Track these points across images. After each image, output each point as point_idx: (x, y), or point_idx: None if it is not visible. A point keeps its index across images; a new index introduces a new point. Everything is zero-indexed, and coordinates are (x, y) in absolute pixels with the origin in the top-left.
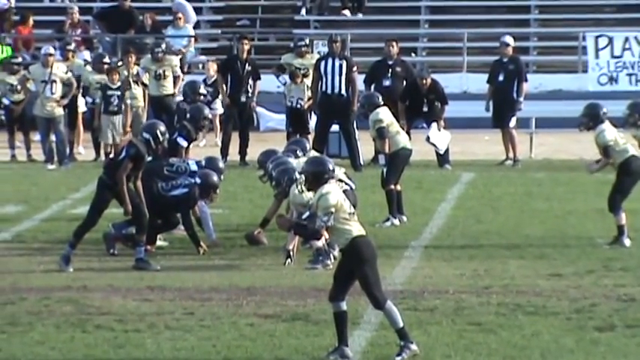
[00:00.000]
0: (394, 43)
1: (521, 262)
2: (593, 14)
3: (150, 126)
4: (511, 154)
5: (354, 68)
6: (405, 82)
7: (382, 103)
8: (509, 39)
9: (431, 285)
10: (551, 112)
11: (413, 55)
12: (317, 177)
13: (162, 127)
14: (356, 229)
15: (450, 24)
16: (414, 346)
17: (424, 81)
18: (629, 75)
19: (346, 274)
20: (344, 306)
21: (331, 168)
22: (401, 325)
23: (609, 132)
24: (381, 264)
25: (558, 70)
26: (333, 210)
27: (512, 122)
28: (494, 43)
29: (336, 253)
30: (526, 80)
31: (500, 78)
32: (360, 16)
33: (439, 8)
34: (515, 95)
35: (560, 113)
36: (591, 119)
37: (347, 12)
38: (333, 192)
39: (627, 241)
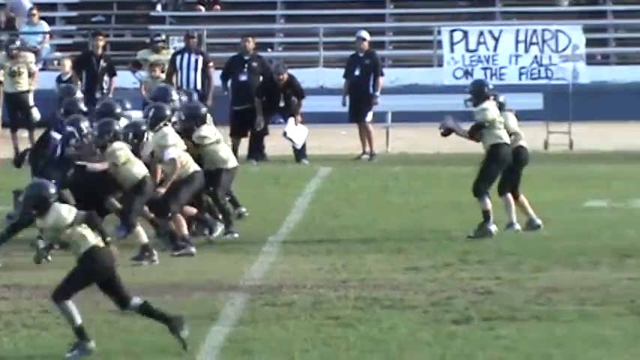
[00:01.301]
0: (250, 39)
1: (378, 256)
2: (447, 8)
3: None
4: (368, 149)
5: (210, 64)
6: (261, 78)
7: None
8: (364, 34)
9: (289, 280)
10: (407, 106)
11: (269, 50)
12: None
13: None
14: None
15: (306, 19)
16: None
17: (280, 76)
18: (484, 69)
19: None
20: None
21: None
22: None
23: (491, 112)
24: (239, 259)
25: (414, 64)
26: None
27: (369, 117)
28: (350, 38)
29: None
30: (382, 75)
31: (357, 73)
32: (215, 11)
33: (295, 3)
34: (371, 90)
35: (416, 107)
36: (476, 96)
37: (202, 8)
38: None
39: (493, 227)
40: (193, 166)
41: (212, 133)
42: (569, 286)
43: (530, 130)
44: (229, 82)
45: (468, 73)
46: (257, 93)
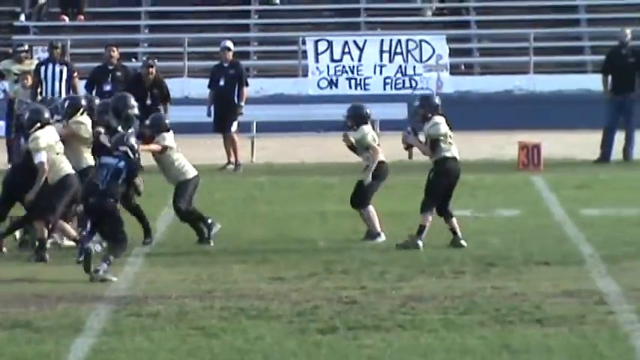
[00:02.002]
0: (114, 49)
1: (243, 266)
2: (312, 19)
3: None
4: (233, 159)
5: (75, 74)
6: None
7: None
8: (229, 44)
9: (154, 290)
10: (272, 116)
11: (133, 60)
12: None
13: None
14: None
15: (170, 29)
16: None
17: (150, 69)
18: (349, 79)
19: None
20: None
21: None
22: None
23: (443, 126)
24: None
25: (279, 74)
26: None
27: (234, 127)
28: (215, 48)
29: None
30: (247, 85)
31: (221, 83)
32: (79, 21)
33: (159, 13)
34: (236, 100)
35: (281, 117)
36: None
37: (66, 18)
38: None
39: (420, 243)
40: (66, 170)
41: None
42: (434, 295)
43: (394, 140)
44: (94, 92)
45: (332, 83)
46: (121, 83)
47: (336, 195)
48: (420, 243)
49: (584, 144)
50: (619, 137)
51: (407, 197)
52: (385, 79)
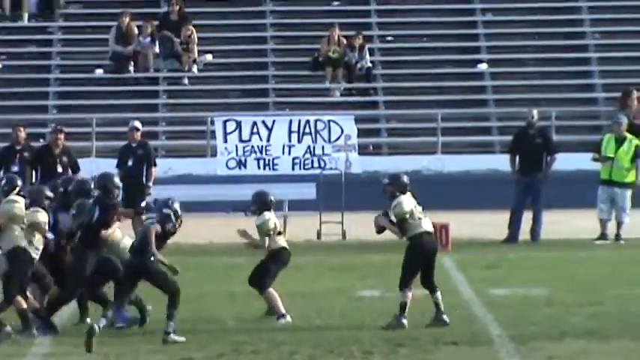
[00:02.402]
0: (21, 129)
1: (152, 347)
2: (220, 99)
3: None
4: None
5: None
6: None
7: None
8: (137, 124)
9: None
10: (181, 196)
11: (41, 140)
12: None
13: None
14: None
15: (79, 109)
16: None
17: (58, 135)
18: (257, 159)
19: None
20: None
21: None
22: None
23: (406, 204)
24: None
25: (187, 154)
26: None
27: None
28: (123, 128)
29: None
30: (155, 165)
31: (130, 163)
32: None
33: (67, 93)
34: (144, 180)
35: (190, 197)
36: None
37: None
38: None
39: (405, 321)
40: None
41: None
42: None
43: (303, 220)
44: (2, 172)
45: (241, 164)
46: (29, 162)
47: (244, 275)
48: (404, 321)
49: (492, 224)
50: (526, 217)
51: (315, 277)
52: (294, 159)
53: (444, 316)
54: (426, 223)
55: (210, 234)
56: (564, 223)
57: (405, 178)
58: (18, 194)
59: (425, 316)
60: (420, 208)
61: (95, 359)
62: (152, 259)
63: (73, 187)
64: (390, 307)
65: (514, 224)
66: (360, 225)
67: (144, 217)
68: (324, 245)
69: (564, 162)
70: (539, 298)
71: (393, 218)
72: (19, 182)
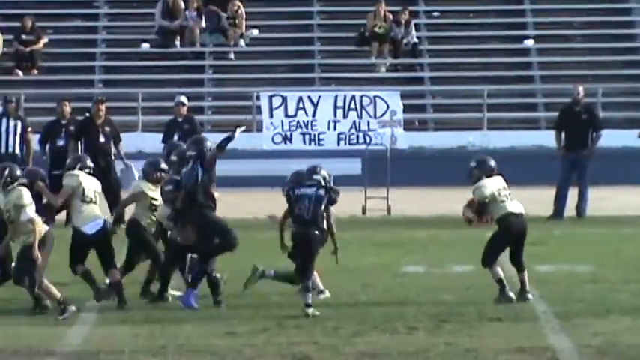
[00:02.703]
0: (67, 103)
1: (196, 322)
2: (266, 74)
3: None
4: None
5: (29, 128)
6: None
7: None
8: (183, 98)
9: (107, 345)
10: (228, 170)
11: (87, 114)
12: None
13: None
14: None
15: (124, 83)
16: None
17: (100, 106)
18: (303, 134)
19: None
20: None
21: None
22: None
23: (487, 188)
24: (57, 324)
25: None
26: None
27: None
28: (169, 103)
29: None
30: None
31: (176, 137)
32: (33, 75)
33: (113, 68)
34: None
35: (236, 172)
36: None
37: (20, 72)
38: None
39: (512, 294)
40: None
41: None
42: (387, 352)
43: (348, 195)
44: (47, 147)
45: (287, 139)
46: (73, 136)
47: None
48: (511, 294)
49: (537, 200)
50: (572, 194)
51: (359, 253)
52: (339, 134)
53: (528, 295)
54: (513, 204)
55: (255, 209)
56: (610, 200)
57: (492, 162)
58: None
59: (468, 291)
60: (507, 192)
61: (141, 335)
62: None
63: (176, 153)
64: (434, 283)
65: (559, 201)
66: (405, 201)
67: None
68: (369, 221)
69: (610, 139)
70: (585, 275)
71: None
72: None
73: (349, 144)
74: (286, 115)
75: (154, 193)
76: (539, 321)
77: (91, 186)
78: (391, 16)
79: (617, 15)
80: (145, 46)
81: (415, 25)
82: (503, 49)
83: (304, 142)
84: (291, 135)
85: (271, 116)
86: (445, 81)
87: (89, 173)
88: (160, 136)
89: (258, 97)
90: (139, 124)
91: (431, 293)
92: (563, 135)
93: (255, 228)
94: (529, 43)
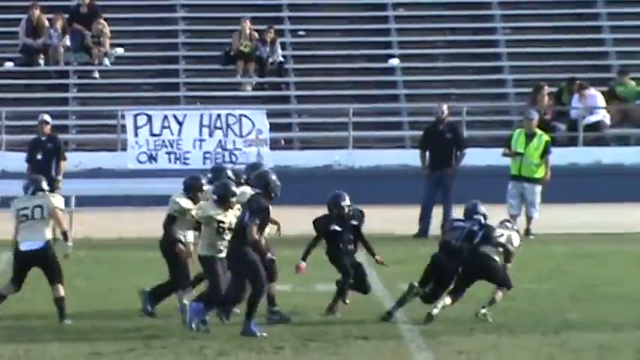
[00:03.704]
0: None
1: (62, 343)
2: (131, 92)
3: None
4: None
5: None
6: None
7: None
8: (47, 117)
9: None
10: (91, 190)
11: None
12: None
13: None
14: None
15: None
16: None
17: None
18: (169, 153)
19: None
20: None
21: None
22: None
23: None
24: None
25: (98, 148)
26: None
27: None
28: (33, 122)
29: None
30: (65, 159)
31: (39, 156)
32: None
33: None
34: (54, 173)
35: (100, 191)
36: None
37: None
38: None
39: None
40: None
41: None
42: None
43: None
44: None
45: (152, 158)
46: None
47: (154, 270)
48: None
49: (402, 219)
50: (437, 212)
51: None
52: (205, 153)
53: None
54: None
55: (120, 228)
56: None
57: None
58: None
59: (336, 314)
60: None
61: (4, 356)
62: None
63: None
64: (300, 302)
65: (424, 219)
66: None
67: None
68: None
69: (474, 157)
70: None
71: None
72: None
73: (215, 163)
74: (151, 134)
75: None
76: (404, 339)
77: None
78: (257, 35)
79: (481, 34)
80: (9, 65)
81: (281, 43)
82: (369, 67)
83: (170, 161)
84: (156, 154)
85: (136, 135)
86: (311, 100)
87: None
88: (24, 155)
89: (123, 116)
90: (3, 143)
91: (297, 313)
92: (427, 154)
93: (121, 247)
94: (394, 62)
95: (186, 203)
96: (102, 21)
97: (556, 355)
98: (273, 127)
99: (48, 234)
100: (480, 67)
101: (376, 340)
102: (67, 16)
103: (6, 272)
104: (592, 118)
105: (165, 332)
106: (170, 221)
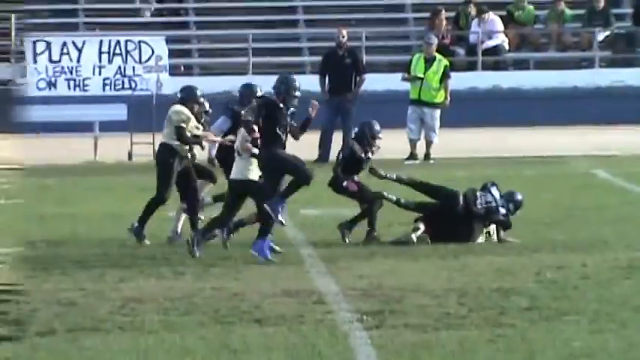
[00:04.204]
0: None
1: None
2: (29, 19)
3: None
4: None
5: None
6: None
7: None
8: None
9: None
10: None
11: None
12: None
13: None
14: None
15: None
16: None
17: None
18: (68, 80)
19: None
20: None
21: None
22: None
23: None
24: None
25: None
26: None
27: None
28: None
29: None
30: None
31: None
32: None
33: None
34: None
35: None
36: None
37: None
38: None
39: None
40: None
41: None
42: (153, 297)
43: (114, 141)
44: None
45: (51, 84)
46: None
47: (54, 196)
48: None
49: (302, 144)
50: (337, 138)
51: (126, 198)
52: (104, 79)
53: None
54: None
55: (18, 156)
56: None
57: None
58: None
59: (235, 235)
60: None
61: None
62: None
63: None
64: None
65: (324, 145)
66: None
67: None
68: (135, 166)
69: (374, 82)
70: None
71: None
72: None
73: (114, 89)
74: (50, 61)
75: None
76: (304, 264)
77: None
78: None
79: None
80: None
81: None
82: None
83: (69, 87)
84: (55, 81)
85: (35, 62)
86: (210, 26)
87: None
88: None
89: (21, 43)
90: None
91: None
92: (327, 79)
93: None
94: None
95: (188, 112)
96: None
97: (455, 278)
98: (173, 54)
99: None
100: None
101: (277, 265)
102: None
103: None
104: (491, 43)
105: (65, 260)
106: (181, 132)
